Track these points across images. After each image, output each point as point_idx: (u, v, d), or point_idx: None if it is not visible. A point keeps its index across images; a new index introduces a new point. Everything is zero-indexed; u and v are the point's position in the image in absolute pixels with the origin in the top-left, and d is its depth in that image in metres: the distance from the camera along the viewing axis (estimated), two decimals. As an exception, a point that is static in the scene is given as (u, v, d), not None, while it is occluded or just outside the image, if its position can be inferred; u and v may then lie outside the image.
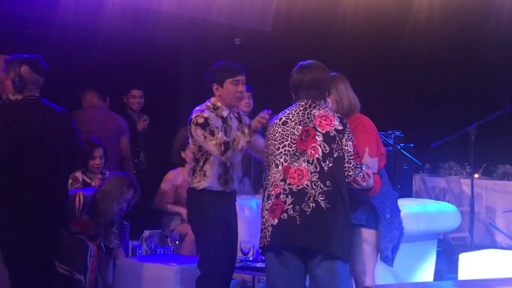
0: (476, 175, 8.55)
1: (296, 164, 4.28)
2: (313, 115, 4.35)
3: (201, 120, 4.90)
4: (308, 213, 4.19)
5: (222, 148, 4.77)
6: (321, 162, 4.26)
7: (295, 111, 4.40)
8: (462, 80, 9.42)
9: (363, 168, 4.35)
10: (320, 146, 4.28)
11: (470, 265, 5.83)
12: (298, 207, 4.22)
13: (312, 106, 4.39)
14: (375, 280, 4.65)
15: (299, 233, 4.20)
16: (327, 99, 4.53)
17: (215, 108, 5.03)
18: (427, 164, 9.22)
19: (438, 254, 6.50)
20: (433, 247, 6.33)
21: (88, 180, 6.44)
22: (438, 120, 9.30)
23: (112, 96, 8.25)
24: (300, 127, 4.34)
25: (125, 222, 6.44)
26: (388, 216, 4.62)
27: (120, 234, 6.24)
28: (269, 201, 4.31)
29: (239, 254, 5.81)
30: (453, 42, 9.33)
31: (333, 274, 4.24)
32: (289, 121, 4.38)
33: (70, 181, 6.42)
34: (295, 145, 4.32)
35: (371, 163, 4.51)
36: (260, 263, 5.62)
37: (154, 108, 8.52)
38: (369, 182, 4.40)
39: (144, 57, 8.88)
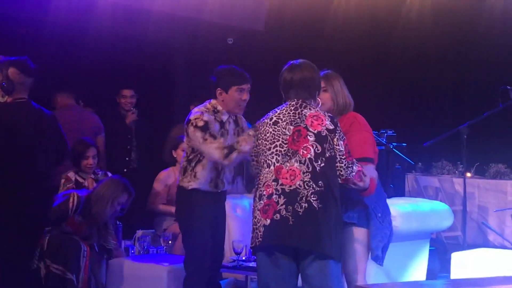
0: (468, 174, 8.58)
1: (288, 164, 4.29)
2: (304, 115, 4.35)
3: (201, 123, 4.85)
4: (300, 213, 4.20)
5: (225, 151, 4.71)
6: (313, 162, 4.26)
7: (285, 111, 4.39)
8: (454, 80, 9.47)
9: (355, 168, 4.36)
10: (312, 146, 4.28)
11: (463, 264, 5.85)
12: (290, 208, 4.22)
13: (303, 106, 4.38)
14: (366, 279, 4.67)
15: (292, 234, 4.20)
16: (318, 98, 4.53)
17: (215, 111, 5.00)
18: (420, 163, 9.25)
19: (431, 253, 6.52)
20: (425, 246, 6.35)
21: (80, 180, 6.45)
22: (430, 119, 9.34)
23: (104, 96, 8.26)
24: (292, 127, 4.33)
25: (117, 222, 6.43)
26: (379, 215, 4.64)
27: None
28: (261, 201, 4.31)
29: (232, 254, 5.83)
30: (445, 41, 9.37)
31: (325, 274, 4.25)
32: (280, 121, 4.37)
33: (62, 180, 6.42)
34: (286, 145, 4.32)
35: (370, 169, 4.52)
36: (252, 263, 5.62)
37: (146, 108, 8.52)
38: (365, 181, 4.42)
39: (136, 56, 8.88)
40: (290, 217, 4.21)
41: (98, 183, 6.14)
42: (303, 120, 4.33)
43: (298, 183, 4.24)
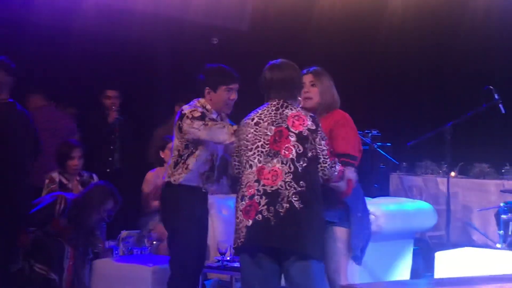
0: (452, 174, 8.59)
1: (270, 165, 4.29)
2: (286, 115, 4.35)
3: (197, 114, 4.86)
4: (282, 214, 4.20)
5: (232, 128, 4.70)
6: (295, 163, 4.27)
7: (267, 111, 4.39)
8: (438, 80, 9.49)
9: (337, 167, 4.37)
10: (294, 147, 4.28)
11: (447, 263, 5.87)
12: (272, 208, 4.22)
13: (284, 105, 4.38)
14: (350, 279, 4.68)
15: (273, 234, 4.20)
16: (299, 97, 4.54)
17: (204, 110, 5.00)
18: (404, 163, 9.26)
19: (415, 252, 6.54)
20: (409, 245, 6.37)
21: (64, 181, 6.43)
22: (415, 119, 9.36)
23: (88, 96, 8.24)
24: (273, 128, 4.33)
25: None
26: (359, 214, 4.65)
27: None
28: (243, 202, 4.31)
29: (217, 254, 5.83)
30: (429, 41, 9.40)
31: (308, 274, 4.26)
32: (261, 121, 4.37)
33: (46, 181, 6.41)
34: (268, 146, 4.32)
35: (349, 171, 4.53)
36: (237, 263, 5.59)
37: (130, 108, 8.52)
38: (344, 182, 4.44)
39: (120, 57, 8.86)
40: (272, 218, 4.21)
41: (86, 188, 6.14)
42: (285, 121, 4.33)
43: (279, 183, 4.25)
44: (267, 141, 4.34)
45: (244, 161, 4.39)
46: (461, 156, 8.65)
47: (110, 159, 7.91)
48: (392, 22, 9.51)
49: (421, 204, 6.61)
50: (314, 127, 4.34)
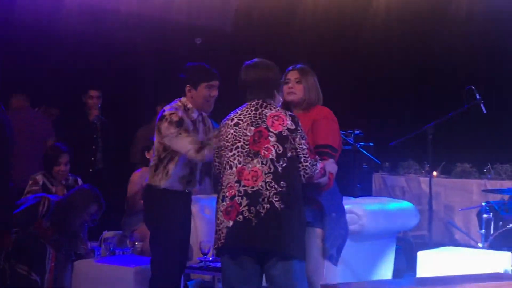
0: (434, 174, 8.63)
1: (250, 165, 4.26)
2: (265, 115, 4.32)
3: (176, 118, 4.85)
4: (262, 214, 4.18)
5: (198, 146, 4.74)
6: (275, 163, 4.25)
7: (246, 111, 4.37)
8: (420, 80, 9.52)
9: (318, 165, 4.36)
10: (274, 147, 4.26)
11: (429, 262, 5.87)
12: (253, 209, 4.20)
13: (264, 105, 4.36)
14: (333, 278, 4.66)
15: (254, 235, 4.18)
16: (278, 96, 4.52)
17: (185, 109, 4.99)
18: (387, 163, 9.28)
19: (397, 251, 6.55)
20: (392, 245, 6.38)
21: (48, 185, 6.39)
22: (397, 119, 9.38)
23: (70, 96, 8.20)
24: (253, 128, 4.31)
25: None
26: (334, 214, 4.62)
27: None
28: (224, 203, 4.29)
29: (199, 254, 5.81)
30: (411, 42, 9.42)
31: (289, 274, 4.24)
32: (240, 122, 4.35)
33: (30, 182, 6.36)
34: (248, 146, 4.29)
35: (330, 164, 4.52)
36: (219, 263, 5.56)
37: (113, 108, 8.48)
38: (326, 177, 4.44)
39: (103, 57, 8.83)
40: (253, 219, 4.19)
41: (70, 190, 6.11)
42: (264, 121, 4.31)
43: (260, 184, 4.22)
44: (246, 141, 4.31)
45: (225, 162, 4.36)
46: (443, 156, 8.68)
47: (92, 159, 7.88)
48: (375, 22, 9.54)
49: (404, 204, 6.61)
50: (293, 127, 4.31)
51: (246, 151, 4.29)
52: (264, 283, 4.43)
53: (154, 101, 8.00)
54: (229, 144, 4.35)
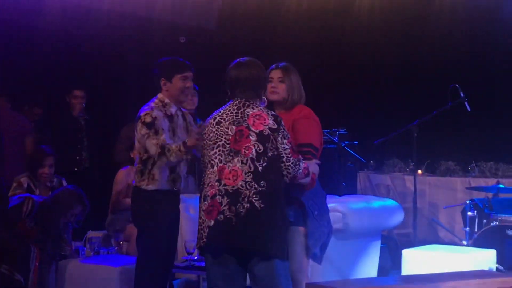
0: (419, 172, 8.66)
1: (230, 164, 4.27)
2: (247, 114, 4.32)
3: (148, 119, 4.86)
4: (242, 214, 4.19)
5: (159, 150, 4.77)
6: (255, 162, 4.24)
7: (228, 110, 4.37)
8: (405, 78, 9.55)
9: (301, 165, 4.35)
10: (254, 146, 4.25)
11: (414, 260, 5.90)
12: (233, 208, 4.21)
13: (246, 105, 4.35)
14: (318, 277, 4.67)
15: (235, 234, 4.19)
16: (263, 96, 4.51)
17: (163, 105, 4.99)
18: (372, 161, 9.30)
19: (382, 250, 6.55)
20: (377, 243, 6.39)
21: (33, 188, 6.37)
22: (382, 117, 9.40)
23: (54, 95, 8.18)
24: (234, 127, 4.31)
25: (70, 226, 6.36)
26: (316, 213, 4.62)
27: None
28: (205, 202, 4.30)
29: (184, 254, 5.79)
30: (395, 40, 9.45)
31: (271, 274, 4.24)
32: (223, 120, 4.35)
33: (14, 184, 6.33)
34: (229, 145, 4.30)
35: (312, 165, 4.52)
36: (204, 263, 5.58)
37: (97, 107, 8.46)
38: (308, 177, 4.44)
39: (86, 56, 8.80)
40: (233, 218, 4.20)
41: (54, 191, 6.09)
42: (245, 120, 4.31)
43: (240, 183, 4.23)
44: (228, 140, 4.31)
45: (206, 161, 4.37)
46: (428, 154, 8.72)
47: (77, 158, 7.86)
48: (359, 20, 9.56)
49: (388, 202, 6.63)
50: (275, 126, 4.30)
51: (227, 150, 4.30)
52: (248, 283, 4.43)
53: (138, 100, 7.96)
54: (211, 143, 4.36)
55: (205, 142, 4.42)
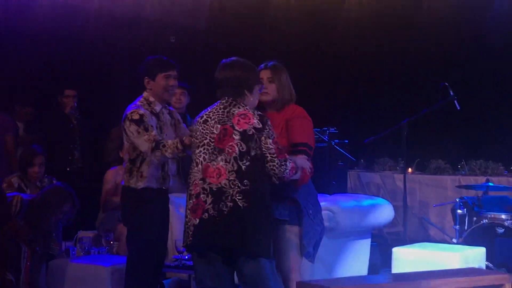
0: (409, 170, 8.67)
1: (215, 163, 4.30)
2: (232, 113, 4.34)
3: (136, 117, 4.86)
4: (226, 212, 4.22)
5: (153, 145, 4.75)
6: (238, 161, 4.26)
7: (215, 110, 4.40)
8: (395, 77, 9.55)
9: (288, 164, 4.34)
10: (237, 145, 4.27)
11: (404, 258, 5.90)
12: (217, 206, 4.24)
13: (233, 104, 4.38)
14: (308, 275, 4.67)
15: (219, 233, 4.22)
16: (249, 96, 4.49)
17: (148, 104, 5.00)
18: (362, 160, 9.30)
19: (372, 248, 6.56)
20: (367, 241, 6.40)
21: (24, 188, 6.36)
22: (372, 116, 9.41)
23: (46, 96, 8.16)
24: (219, 126, 4.34)
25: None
26: (310, 212, 4.64)
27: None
28: (191, 201, 4.33)
29: (175, 253, 5.79)
30: (385, 38, 9.45)
31: (258, 272, 4.26)
32: (209, 119, 4.38)
33: (4, 185, 6.33)
34: (213, 144, 4.33)
35: (302, 160, 4.52)
36: (195, 261, 5.57)
37: (89, 107, 8.45)
38: (298, 174, 4.45)
39: (77, 56, 8.78)
40: (217, 216, 4.23)
41: (43, 189, 6.07)
42: (230, 119, 4.33)
43: (223, 181, 4.26)
44: (212, 139, 4.34)
45: (193, 159, 4.40)
46: (418, 152, 8.73)
47: (69, 157, 7.84)
48: (349, 17, 9.57)
49: (379, 201, 6.63)
50: (260, 126, 4.30)
51: (211, 149, 4.33)
52: (237, 281, 4.44)
53: (129, 99, 7.95)
54: (197, 141, 4.40)
55: (193, 140, 4.45)
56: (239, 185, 4.24)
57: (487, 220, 6.71)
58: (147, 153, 4.81)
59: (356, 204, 6.25)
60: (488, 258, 6.15)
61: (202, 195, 4.27)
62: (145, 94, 5.06)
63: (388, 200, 6.76)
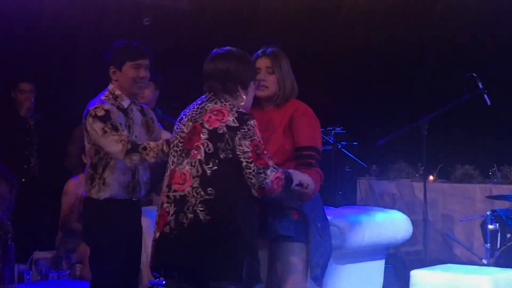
0: (430, 178, 8.67)
1: (181, 166, 4.29)
2: (206, 109, 4.32)
3: (101, 113, 4.84)
4: (185, 226, 4.18)
5: (128, 147, 4.73)
6: (203, 164, 4.23)
7: (194, 106, 4.40)
8: (412, 67, 9.54)
9: (269, 173, 4.22)
10: (203, 145, 4.24)
11: (424, 283, 5.89)
12: (178, 218, 4.21)
13: (210, 99, 4.35)
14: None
15: (176, 251, 4.20)
16: (245, 91, 4.45)
17: (114, 98, 4.99)
18: (374, 166, 9.30)
19: (387, 271, 6.55)
20: (380, 263, 6.38)
21: None
22: (385, 113, 9.40)
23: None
24: (190, 124, 4.32)
25: (9, 242, 6.32)
26: (319, 225, 4.63)
27: (3, 257, 6.13)
28: (158, 212, 4.33)
29: (150, 277, 5.77)
30: (402, 21, 9.44)
31: None
32: (184, 117, 4.39)
33: None
34: (182, 145, 4.33)
35: (313, 174, 4.49)
36: None
37: (47, 104, 8.43)
38: (310, 188, 4.39)
39: (34, 44, 8.75)
40: (175, 230, 4.20)
41: None
42: (202, 116, 4.30)
43: (187, 189, 4.23)
44: (182, 139, 4.34)
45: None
46: (441, 156, 8.73)
47: (25, 166, 7.83)
48: (355, 4, 9.57)
49: (394, 214, 6.62)
50: (236, 125, 4.24)
51: (180, 150, 4.33)
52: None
53: (94, 94, 7.94)
54: (172, 143, 4.42)
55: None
56: (202, 193, 4.19)
57: (523, 237, 6.72)
58: (118, 157, 4.78)
59: (368, 218, 6.24)
60: (524, 283, 6.14)
61: (165, 204, 4.26)
62: (110, 86, 5.05)
63: (405, 214, 6.74)
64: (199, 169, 4.21)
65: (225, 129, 4.24)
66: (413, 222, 6.67)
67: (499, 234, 6.98)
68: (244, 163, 4.21)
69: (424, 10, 9.31)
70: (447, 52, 9.25)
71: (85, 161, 6.75)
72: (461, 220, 8.23)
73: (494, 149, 8.86)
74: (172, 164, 4.30)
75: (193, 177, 4.21)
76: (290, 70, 4.78)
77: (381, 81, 9.64)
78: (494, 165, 8.64)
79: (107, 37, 9.01)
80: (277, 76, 4.71)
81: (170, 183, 4.27)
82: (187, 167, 4.23)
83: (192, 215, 4.16)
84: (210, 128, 4.25)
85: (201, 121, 4.28)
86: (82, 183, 6.76)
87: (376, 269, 6.33)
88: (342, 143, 8.44)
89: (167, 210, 4.23)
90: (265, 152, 4.27)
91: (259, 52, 4.79)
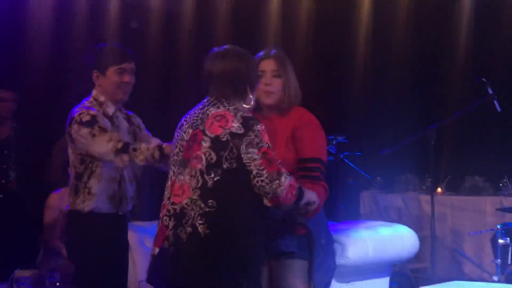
0: (439, 190, 8.67)
1: (181, 177, 4.25)
2: (207, 114, 4.26)
3: (87, 118, 4.84)
4: (184, 241, 4.14)
5: (119, 145, 4.72)
6: (204, 175, 4.19)
7: (195, 111, 4.35)
8: (419, 73, 9.56)
9: (283, 180, 4.20)
10: (205, 155, 4.19)
11: (432, 302, 5.89)
12: (177, 233, 4.17)
13: (212, 103, 4.29)
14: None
15: (174, 268, 4.15)
16: (250, 95, 4.42)
17: (99, 105, 5.00)
18: (378, 178, 9.30)
19: (393, 290, 6.57)
20: (385, 281, 6.39)
21: None
22: (390, 122, 9.40)
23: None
24: (191, 131, 4.29)
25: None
26: (323, 241, 4.62)
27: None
28: (158, 226, 4.29)
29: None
30: (407, 23, 9.46)
31: None
32: (185, 123, 4.34)
33: None
34: (182, 154, 4.29)
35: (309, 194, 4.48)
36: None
37: (28, 115, 8.41)
38: (314, 205, 4.37)
39: (13, 48, 8.74)
40: (173, 245, 4.16)
41: None
42: (204, 122, 4.26)
43: (185, 201, 4.19)
44: (182, 147, 4.30)
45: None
46: (449, 167, 8.73)
47: (3, 181, 7.81)
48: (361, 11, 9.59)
49: (400, 229, 6.63)
50: (241, 131, 4.18)
51: (180, 160, 4.29)
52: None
53: (78, 103, 7.95)
54: (172, 152, 4.38)
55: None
56: (202, 206, 4.15)
57: (537, 253, 6.71)
58: (109, 156, 4.76)
59: (371, 233, 6.25)
60: (539, 301, 6.13)
61: (165, 218, 4.23)
62: (94, 92, 5.06)
63: (411, 228, 6.75)
64: (200, 179, 4.17)
65: (228, 137, 4.17)
66: (420, 238, 6.69)
67: (510, 249, 6.97)
68: (255, 171, 4.15)
69: (429, 16, 9.33)
70: (455, 57, 9.26)
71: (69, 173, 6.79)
72: (470, 235, 8.24)
73: (505, 159, 8.87)
74: (173, 175, 4.27)
75: (193, 189, 4.17)
76: (294, 75, 4.76)
77: (386, 87, 9.65)
78: (505, 176, 8.66)
79: (92, 40, 9.06)
80: (283, 81, 4.68)
81: (170, 195, 4.25)
82: (187, 178, 4.20)
83: (190, 229, 4.12)
84: (212, 135, 4.20)
85: (202, 128, 4.23)
86: (64, 197, 6.79)
87: (380, 287, 6.34)
88: (345, 153, 8.45)
89: (166, 224, 4.20)
90: (276, 157, 4.23)
91: (261, 53, 4.74)
